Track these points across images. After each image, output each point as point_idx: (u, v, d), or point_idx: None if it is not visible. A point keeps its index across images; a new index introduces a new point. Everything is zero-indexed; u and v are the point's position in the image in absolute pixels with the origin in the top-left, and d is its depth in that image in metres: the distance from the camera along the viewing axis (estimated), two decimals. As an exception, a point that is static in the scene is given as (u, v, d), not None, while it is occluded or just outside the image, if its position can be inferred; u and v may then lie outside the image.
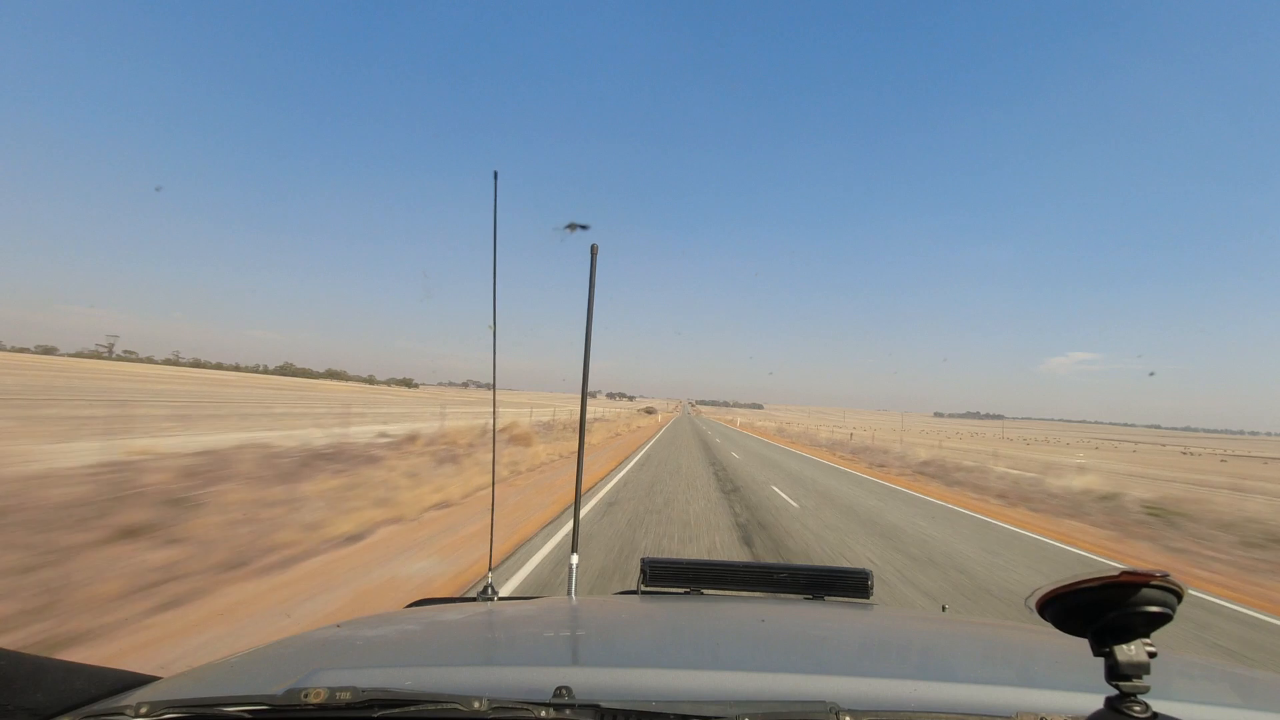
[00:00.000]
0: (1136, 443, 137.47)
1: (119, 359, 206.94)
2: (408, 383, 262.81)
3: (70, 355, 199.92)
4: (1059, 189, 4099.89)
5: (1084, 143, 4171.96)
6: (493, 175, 1.66)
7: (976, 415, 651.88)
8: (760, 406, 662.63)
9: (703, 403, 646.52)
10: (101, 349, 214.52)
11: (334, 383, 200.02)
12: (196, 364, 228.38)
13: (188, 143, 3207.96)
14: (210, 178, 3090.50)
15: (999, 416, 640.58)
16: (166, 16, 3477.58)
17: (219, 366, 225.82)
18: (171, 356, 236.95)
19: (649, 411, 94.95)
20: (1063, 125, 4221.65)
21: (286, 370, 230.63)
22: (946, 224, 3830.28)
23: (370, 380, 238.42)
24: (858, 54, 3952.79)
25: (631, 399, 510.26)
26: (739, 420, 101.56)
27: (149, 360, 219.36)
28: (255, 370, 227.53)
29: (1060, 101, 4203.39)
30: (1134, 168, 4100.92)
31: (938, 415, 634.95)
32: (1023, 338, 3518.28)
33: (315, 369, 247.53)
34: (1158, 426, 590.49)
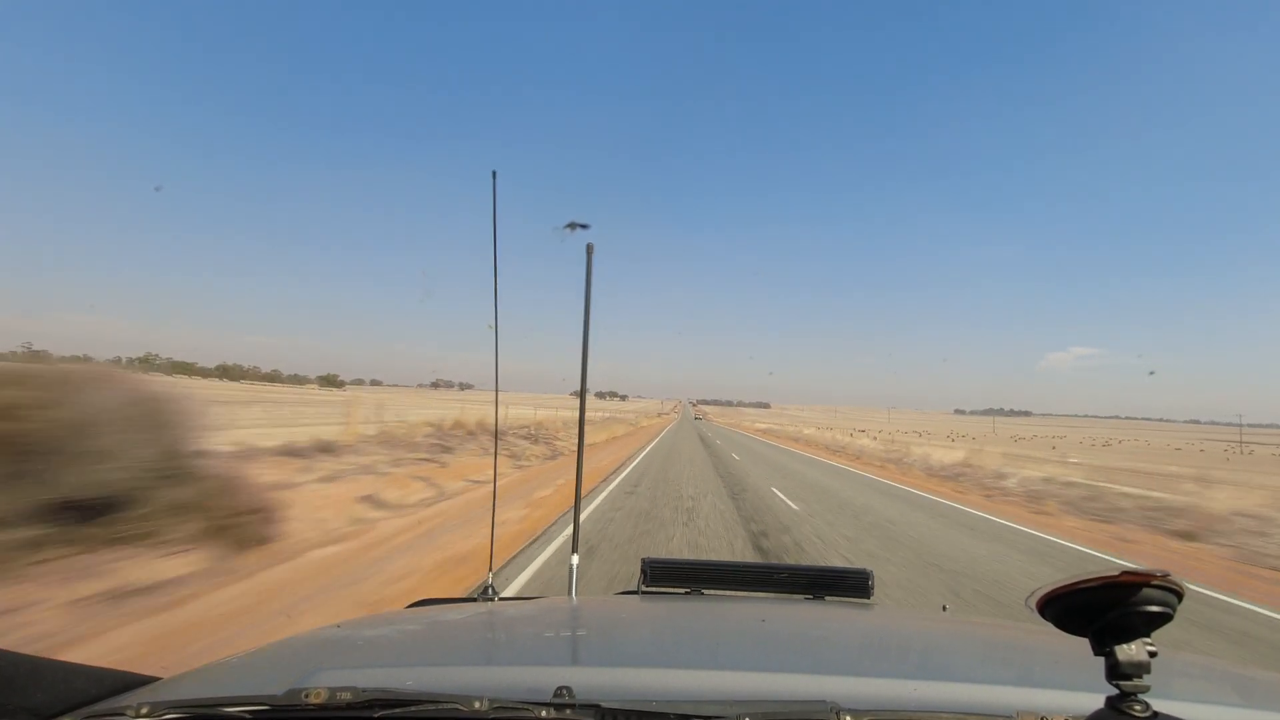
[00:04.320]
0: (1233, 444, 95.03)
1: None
2: (332, 380, 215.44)
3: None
4: (1057, 188, 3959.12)
5: (1082, 144, 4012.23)
6: (491, 175, 1.66)
7: (1000, 412, 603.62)
8: (767, 406, 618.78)
9: (705, 402, 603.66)
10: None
11: (216, 382, 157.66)
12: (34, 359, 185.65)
13: (184, 144, 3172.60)
14: (208, 179, 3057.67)
15: (1025, 413, 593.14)
16: (163, 17, 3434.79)
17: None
18: (18, 349, 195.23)
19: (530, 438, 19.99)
20: (1060, 125, 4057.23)
21: (150, 364, 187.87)
22: (949, 222, 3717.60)
23: (272, 377, 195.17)
24: (859, 53, 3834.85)
25: (624, 398, 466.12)
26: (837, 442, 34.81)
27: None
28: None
29: (1060, 102, 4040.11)
30: (1131, 166, 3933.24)
31: (959, 413, 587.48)
32: (1024, 333, 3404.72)
33: (206, 365, 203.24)
34: (1196, 421, 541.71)
